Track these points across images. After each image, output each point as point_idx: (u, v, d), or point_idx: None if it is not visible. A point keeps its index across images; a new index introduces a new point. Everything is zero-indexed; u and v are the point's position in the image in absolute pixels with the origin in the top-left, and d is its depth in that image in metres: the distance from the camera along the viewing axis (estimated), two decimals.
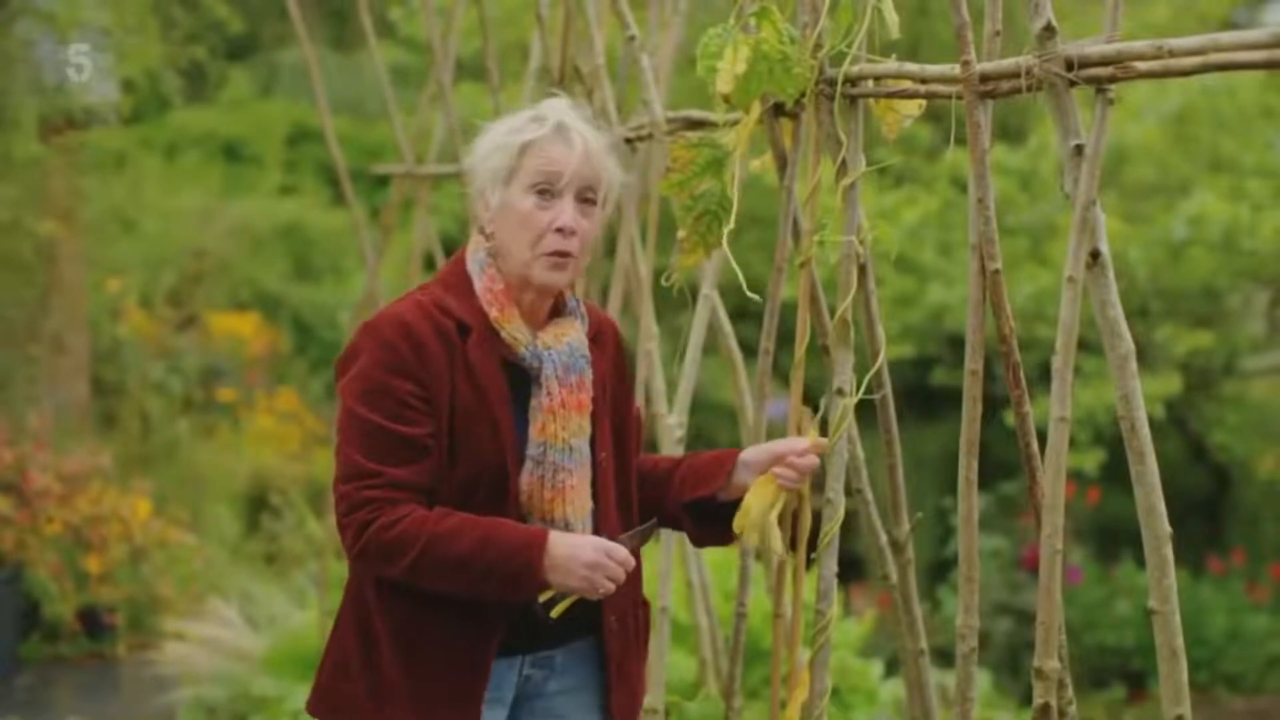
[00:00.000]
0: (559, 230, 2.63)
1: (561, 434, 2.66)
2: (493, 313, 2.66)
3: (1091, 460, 10.01)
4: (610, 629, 2.76)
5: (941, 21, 10.64)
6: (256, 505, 9.47)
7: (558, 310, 2.76)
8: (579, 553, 2.55)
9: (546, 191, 2.64)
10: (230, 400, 11.04)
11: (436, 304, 2.65)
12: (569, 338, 2.72)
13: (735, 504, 2.79)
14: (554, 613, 2.60)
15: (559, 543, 2.56)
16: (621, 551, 2.58)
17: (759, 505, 2.71)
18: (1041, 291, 9.88)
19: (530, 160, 2.64)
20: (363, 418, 2.57)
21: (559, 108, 2.70)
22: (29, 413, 8.17)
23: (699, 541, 2.95)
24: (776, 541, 2.75)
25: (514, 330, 2.67)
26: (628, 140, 4.07)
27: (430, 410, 2.59)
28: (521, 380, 2.68)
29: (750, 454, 2.77)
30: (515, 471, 2.64)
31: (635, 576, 2.82)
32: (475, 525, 2.55)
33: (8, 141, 7.39)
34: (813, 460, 2.78)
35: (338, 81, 13.30)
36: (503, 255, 2.68)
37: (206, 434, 10.46)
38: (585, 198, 2.66)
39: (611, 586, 2.58)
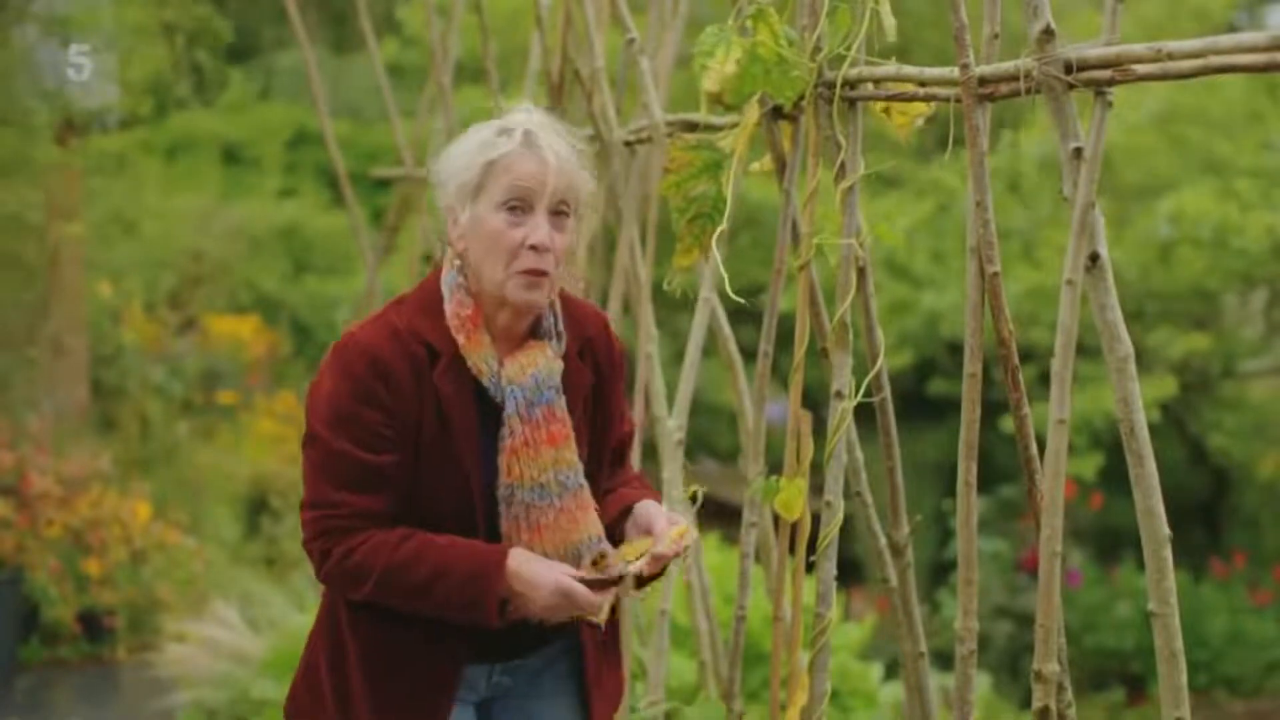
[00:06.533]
0: (533, 248, 2.53)
1: (528, 474, 2.58)
2: (460, 339, 2.58)
3: (1089, 466, 10.00)
4: (585, 626, 2.70)
5: (932, 26, 10.62)
6: (256, 508, 9.47)
7: (534, 331, 2.65)
8: (536, 592, 2.50)
9: (517, 208, 2.53)
10: (230, 403, 11.04)
11: (408, 327, 2.57)
12: (535, 369, 2.60)
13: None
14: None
15: (517, 576, 2.51)
16: (583, 596, 2.50)
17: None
18: (1029, 291, 9.84)
19: (499, 176, 2.53)
20: (328, 443, 2.53)
21: (526, 119, 2.59)
22: (29, 416, 8.18)
23: None
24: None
25: (479, 360, 2.57)
26: (627, 144, 4.07)
27: (398, 439, 2.54)
28: (493, 410, 2.60)
29: (639, 510, 2.65)
30: (481, 508, 2.58)
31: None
32: (430, 552, 2.52)
33: (20, 145, 7.39)
34: (676, 548, 2.57)
35: (337, 85, 13.32)
36: (475, 275, 2.58)
37: (206, 437, 10.46)
38: (558, 210, 2.56)
39: (566, 617, 2.54)
